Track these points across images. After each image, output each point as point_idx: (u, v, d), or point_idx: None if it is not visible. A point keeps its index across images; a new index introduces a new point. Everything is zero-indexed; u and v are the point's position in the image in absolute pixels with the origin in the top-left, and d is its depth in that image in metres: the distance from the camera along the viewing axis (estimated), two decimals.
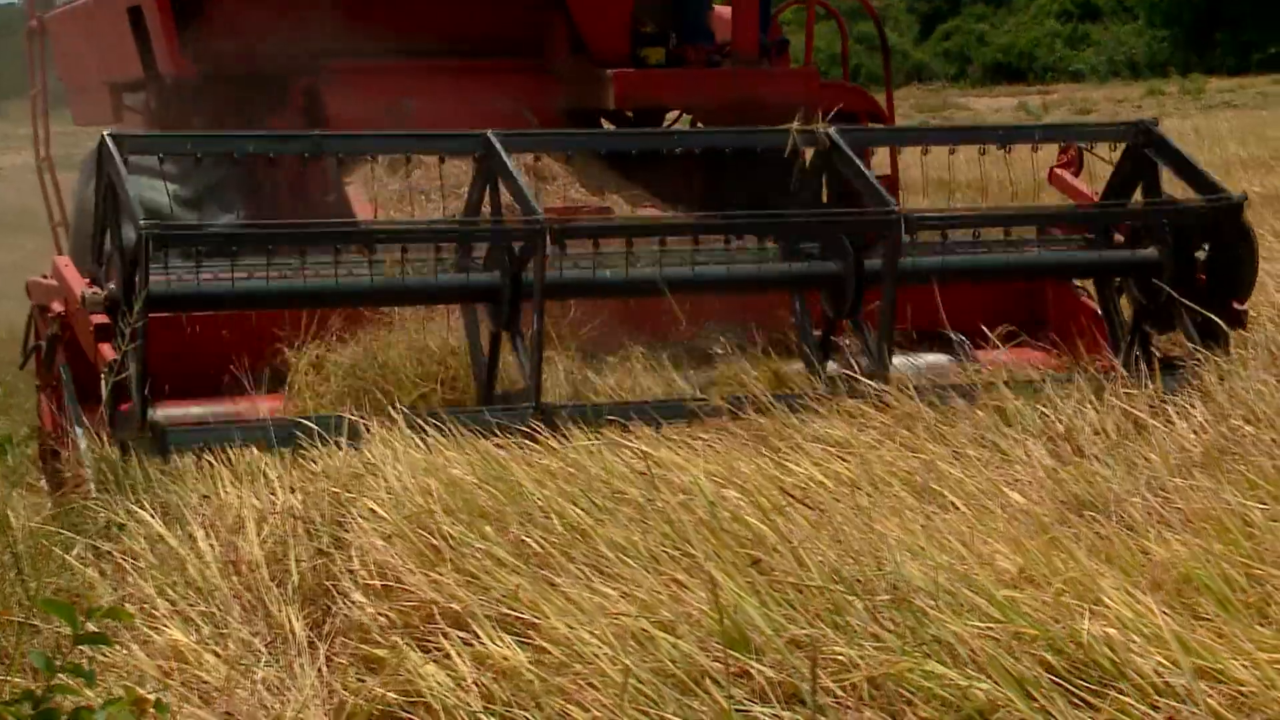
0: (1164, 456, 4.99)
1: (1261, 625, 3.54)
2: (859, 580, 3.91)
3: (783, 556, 4.12)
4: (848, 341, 6.59)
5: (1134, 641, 3.44)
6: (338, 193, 7.60)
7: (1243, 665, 3.29)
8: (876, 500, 4.68)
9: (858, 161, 6.65)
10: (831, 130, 6.66)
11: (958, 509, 4.55)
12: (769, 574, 4.04)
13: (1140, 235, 6.81)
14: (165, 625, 4.21)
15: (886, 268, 6.29)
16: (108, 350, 5.53)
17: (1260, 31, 53.41)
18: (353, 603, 4.38)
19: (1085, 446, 5.33)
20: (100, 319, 5.65)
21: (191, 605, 4.39)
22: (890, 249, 6.27)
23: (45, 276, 7.09)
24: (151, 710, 3.37)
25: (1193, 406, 5.55)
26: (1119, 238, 6.95)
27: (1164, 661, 3.34)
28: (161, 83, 8.59)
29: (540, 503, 4.77)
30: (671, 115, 9.48)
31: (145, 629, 4.20)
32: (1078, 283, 7.44)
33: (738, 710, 3.38)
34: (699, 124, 9.33)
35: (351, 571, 4.47)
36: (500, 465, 5.00)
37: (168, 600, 4.40)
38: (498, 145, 6.17)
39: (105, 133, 5.90)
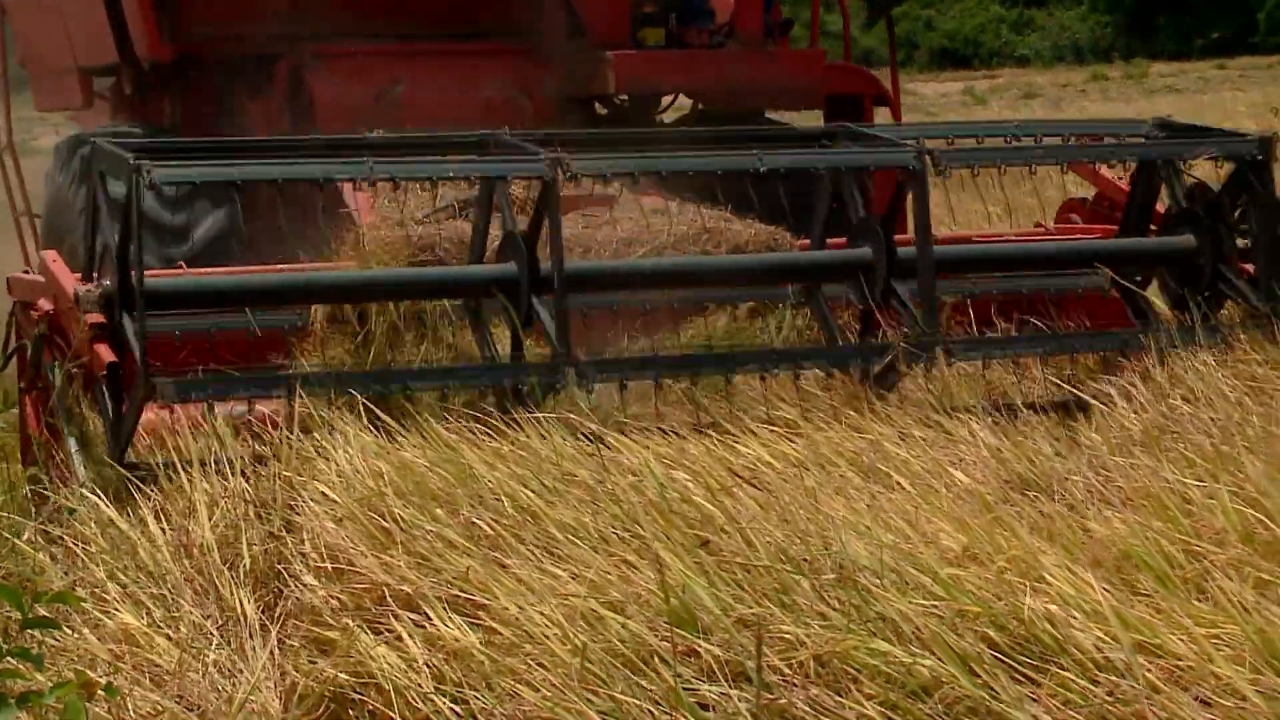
0: (1105, 436, 5.01)
1: (1199, 601, 3.56)
2: (805, 560, 3.92)
3: (730, 537, 4.13)
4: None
5: (1075, 617, 3.45)
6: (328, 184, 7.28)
7: (1180, 640, 3.30)
8: (823, 481, 4.68)
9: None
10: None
11: (903, 488, 4.56)
12: (717, 554, 4.04)
13: (1176, 224, 6.47)
14: (116, 609, 4.19)
15: (922, 254, 5.92)
16: (105, 351, 5.19)
17: (1201, 17, 54.01)
18: (304, 585, 4.36)
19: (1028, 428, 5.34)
20: (96, 318, 5.25)
21: (143, 589, 4.38)
22: (921, 190, 5.91)
23: (26, 271, 6.64)
24: (101, 693, 3.36)
25: (1133, 386, 5.57)
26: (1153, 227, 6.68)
27: (1104, 637, 3.36)
28: (137, 67, 8.28)
29: (491, 485, 4.76)
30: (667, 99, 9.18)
31: (96, 613, 4.18)
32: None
33: (685, 689, 3.39)
34: (700, 107, 9.01)
35: (303, 554, 4.45)
36: (451, 449, 4.99)
37: (119, 584, 4.39)
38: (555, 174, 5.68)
39: (98, 136, 5.73)
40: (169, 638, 4.05)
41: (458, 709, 3.62)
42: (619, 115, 8.80)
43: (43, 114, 11.47)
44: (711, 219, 6.52)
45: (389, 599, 4.13)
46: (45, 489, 5.45)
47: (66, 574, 4.54)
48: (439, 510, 4.51)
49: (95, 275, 5.57)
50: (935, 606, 3.57)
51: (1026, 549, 3.85)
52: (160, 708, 3.58)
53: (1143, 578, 3.73)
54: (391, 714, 3.73)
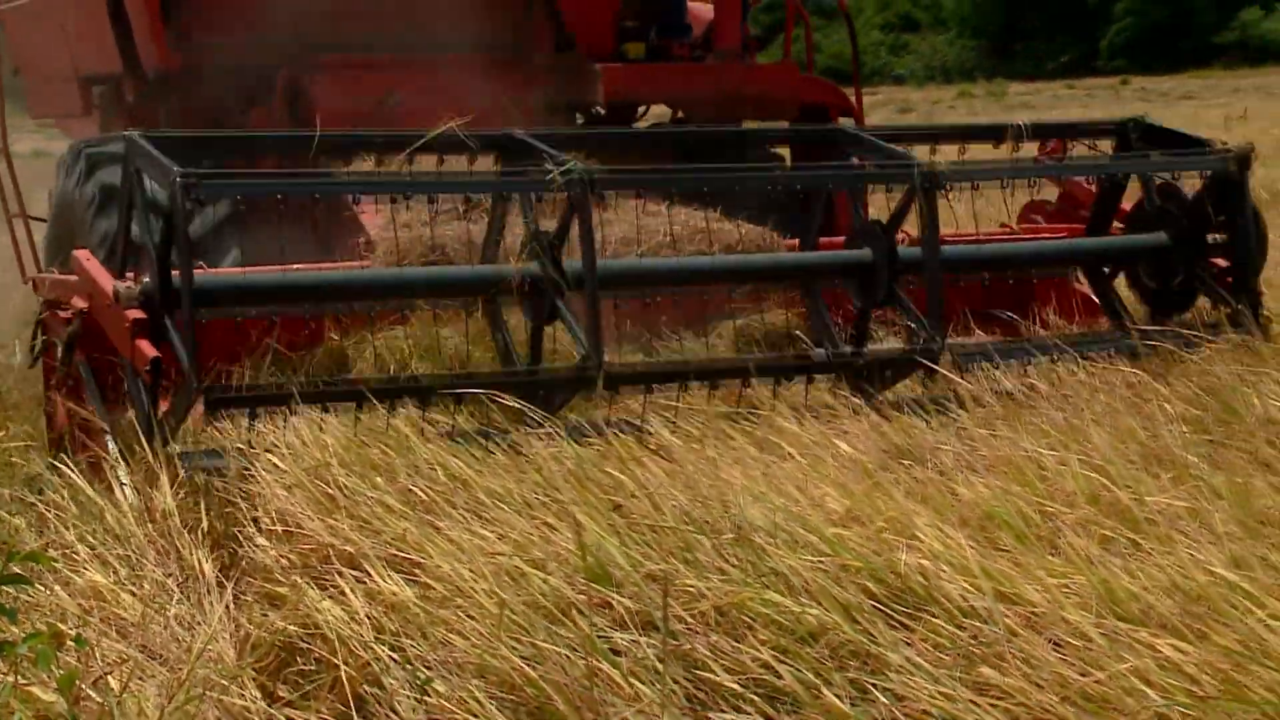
0: (971, 411, 5.05)
1: (1052, 555, 3.59)
2: (707, 521, 3.93)
3: (640, 501, 4.13)
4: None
5: (944, 571, 3.48)
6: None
7: (1035, 590, 3.33)
8: (723, 453, 4.69)
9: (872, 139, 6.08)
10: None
11: (794, 459, 4.57)
12: (628, 517, 4.04)
13: (1148, 221, 6.32)
14: (85, 568, 4.14)
15: (928, 254, 5.61)
16: (146, 347, 4.73)
17: (1051, 43, 54.99)
18: (257, 546, 4.33)
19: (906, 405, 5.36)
20: (137, 314, 4.82)
21: (109, 550, 4.33)
22: (929, 205, 5.58)
23: (55, 270, 6.10)
24: (70, 643, 3.32)
25: (996, 367, 5.61)
26: (1118, 226, 6.53)
27: (969, 588, 3.38)
28: (141, 76, 7.85)
29: (426, 456, 4.74)
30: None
31: (67, 572, 4.13)
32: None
33: (600, 636, 3.38)
34: (680, 115, 8.69)
35: (256, 519, 4.42)
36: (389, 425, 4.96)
37: (88, 546, 4.34)
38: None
39: (132, 132, 5.11)
40: (133, 594, 4.00)
41: (395, 656, 3.60)
42: (598, 124, 8.48)
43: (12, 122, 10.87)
44: (703, 220, 6.28)
45: (333, 558, 4.11)
46: (23, 460, 5.28)
47: (40, 536, 4.49)
48: (379, 479, 4.48)
49: (129, 271, 5.19)
50: (821, 562, 3.58)
51: (902, 511, 3.88)
52: (125, 656, 3.53)
53: (1003, 535, 3.76)
54: (336, 661, 3.71)
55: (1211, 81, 44.48)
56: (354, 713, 3.55)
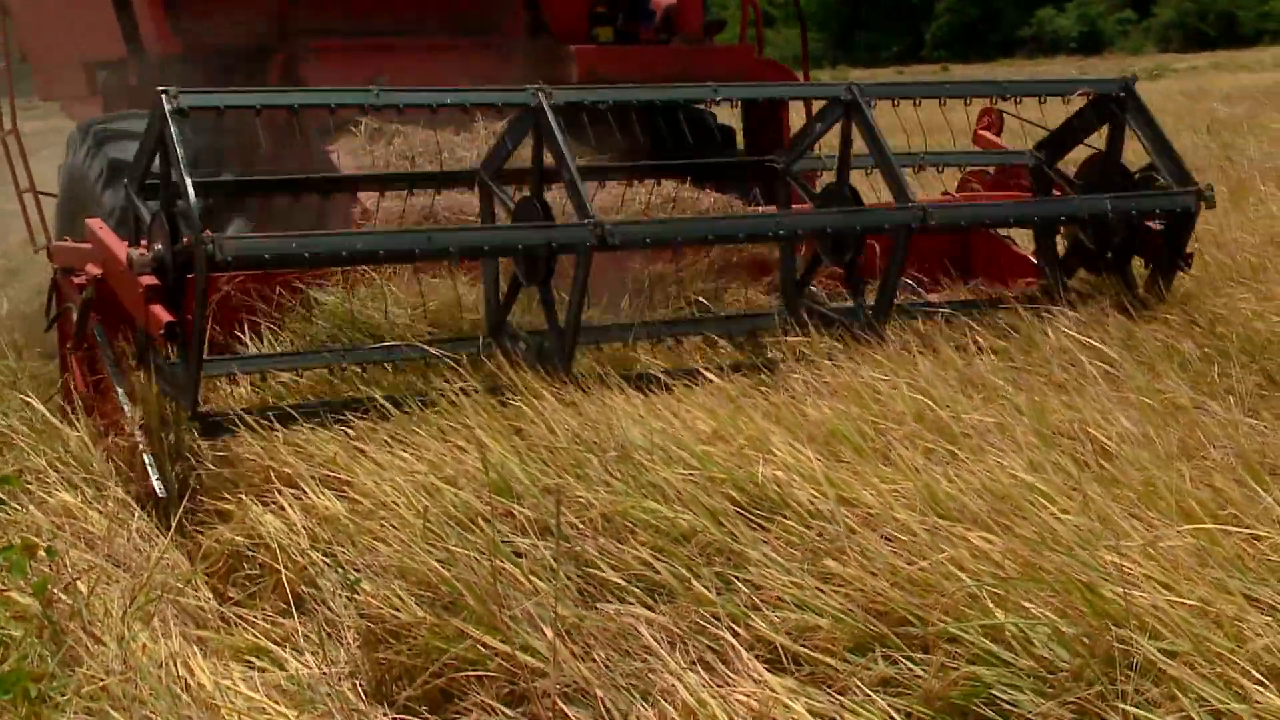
0: (818, 346, 5.07)
1: (884, 465, 3.63)
2: (595, 442, 3.93)
3: (537, 426, 4.12)
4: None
5: (795, 480, 3.50)
6: (321, 159, 6.34)
7: (871, 494, 3.37)
8: (610, 384, 4.68)
9: (879, 138, 5.42)
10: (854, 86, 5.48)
11: (668, 389, 4.57)
12: (527, 440, 4.04)
13: (1094, 186, 5.85)
14: (56, 490, 4.08)
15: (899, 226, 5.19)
16: (161, 312, 4.30)
17: (886, 35, 55.44)
18: (207, 469, 4.30)
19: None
20: (150, 280, 4.39)
21: (75, 474, 4.27)
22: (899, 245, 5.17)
23: (67, 239, 5.52)
24: (43, 553, 3.27)
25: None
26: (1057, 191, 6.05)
27: (816, 494, 3.41)
28: (145, 59, 7.42)
29: (354, 391, 4.72)
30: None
31: (40, 493, 4.07)
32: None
33: (504, 541, 3.39)
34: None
35: (208, 444, 4.39)
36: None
37: (57, 470, 4.27)
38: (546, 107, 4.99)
39: (160, 91, 4.52)
40: (100, 512, 3.95)
41: (328, 561, 3.59)
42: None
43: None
44: (675, 189, 6.06)
45: (274, 478, 4.08)
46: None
47: (15, 463, 4.41)
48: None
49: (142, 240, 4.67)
50: (692, 475, 3.60)
51: (760, 430, 3.89)
52: (92, 565, 3.48)
53: (844, 449, 3.78)
54: (277, 566, 3.69)
55: (1014, 69, 45.22)
56: (294, 609, 3.54)
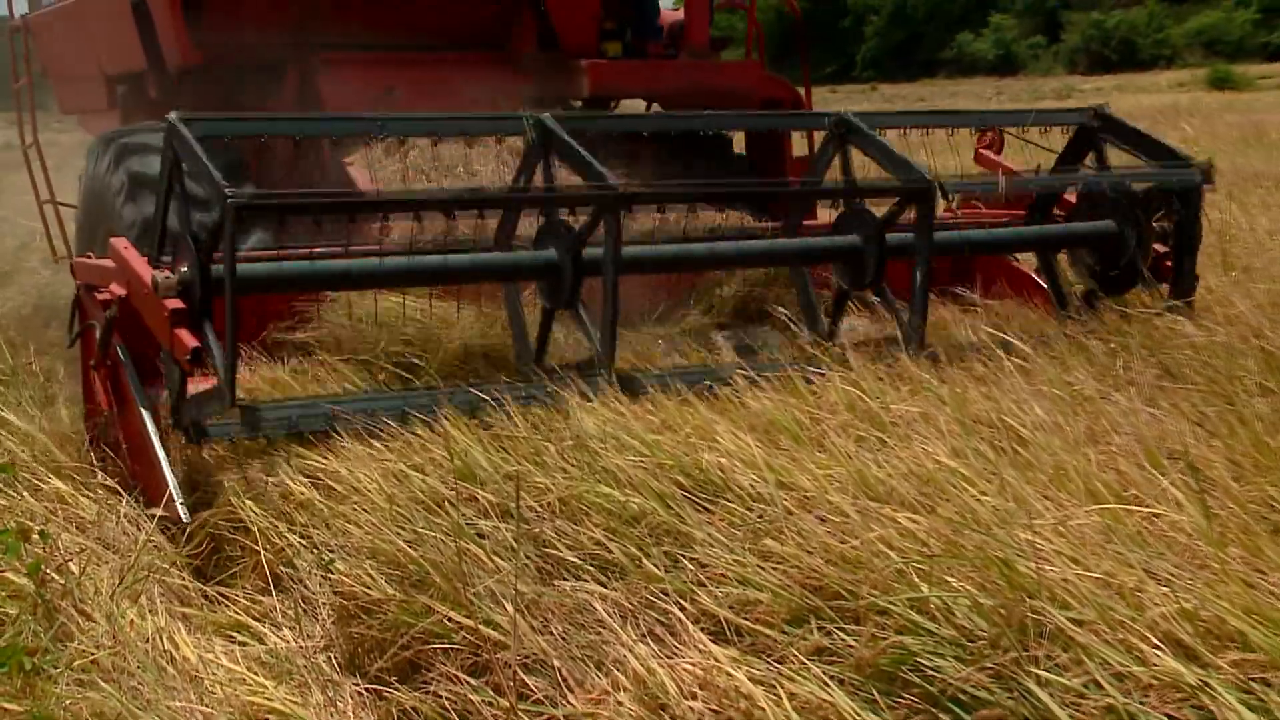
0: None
1: (819, 452, 3.64)
2: (552, 431, 3.93)
3: (500, 417, 4.11)
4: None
5: (737, 466, 3.51)
6: (338, 174, 6.03)
7: (807, 478, 3.38)
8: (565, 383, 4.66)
9: (879, 139, 5.17)
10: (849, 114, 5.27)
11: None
12: (490, 429, 4.03)
13: (1095, 209, 5.54)
14: (49, 478, 4.04)
15: (920, 237, 4.84)
16: (186, 336, 3.96)
17: (820, 56, 55.72)
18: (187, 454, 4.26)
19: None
20: (176, 304, 4.05)
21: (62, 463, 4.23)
22: (923, 217, 4.85)
23: (91, 254, 5.13)
24: (36, 536, 3.24)
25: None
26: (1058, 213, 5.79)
27: (756, 478, 3.42)
28: (164, 72, 7.04)
29: (332, 388, 4.69)
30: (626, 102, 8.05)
31: (35, 481, 4.02)
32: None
33: (467, 523, 3.38)
34: (654, 107, 7.87)
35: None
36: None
37: (47, 462, 4.23)
38: (553, 126, 4.71)
39: (173, 116, 4.26)
40: (90, 498, 3.91)
41: (304, 543, 3.57)
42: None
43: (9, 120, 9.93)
44: (684, 210, 5.53)
45: (256, 467, 4.05)
46: None
47: (7, 455, 4.36)
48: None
49: (164, 260, 4.35)
50: (642, 462, 3.60)
51: (705, 420, 3.90)
52: (83, 547, 3.46)
53: (782, 437, 3.80)
54: (257, 548, 3.67)
55: (936, 88, 45.69)
56: (272, 588, 3.52)
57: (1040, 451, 3.48)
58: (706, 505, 3.40)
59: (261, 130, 4.79)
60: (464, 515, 3.43)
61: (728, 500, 3.38)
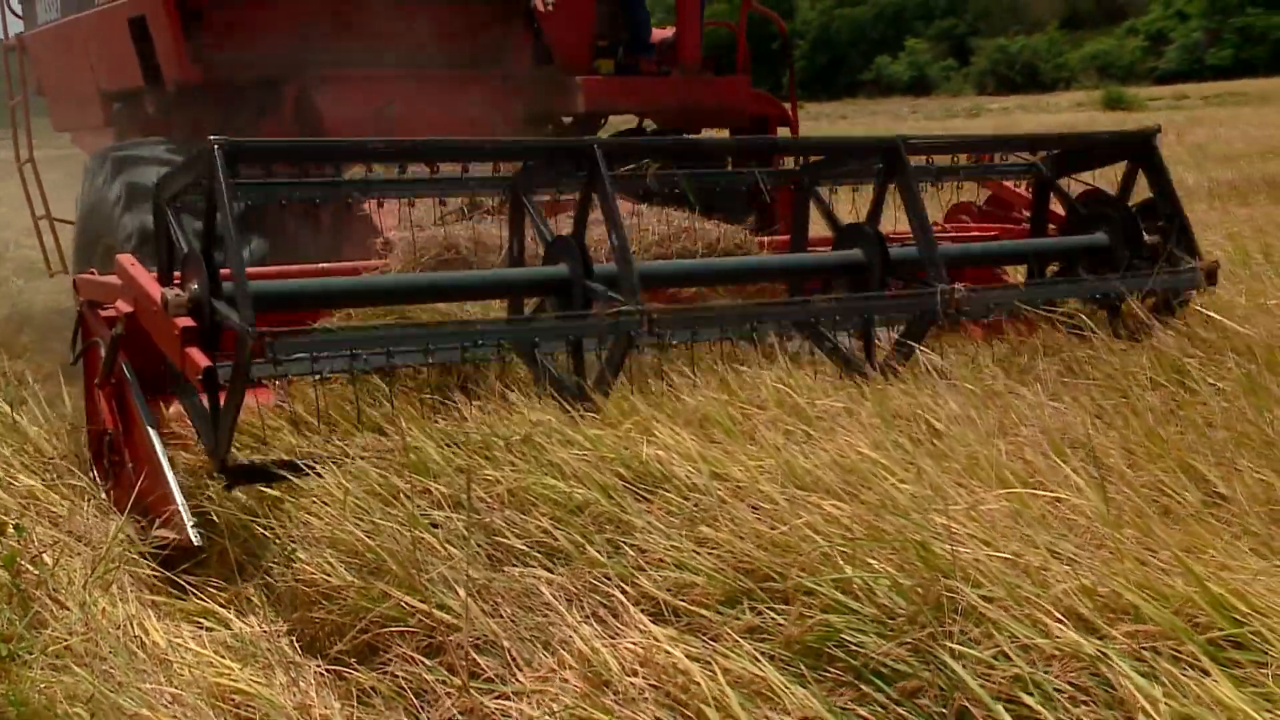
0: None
1: (751, 445, 3.66)
2: (501, 428, 3.92)
3: (451, 415, 4.10)
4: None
5: (675, 459, 3.51)
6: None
7: (739, 470, 3.39)
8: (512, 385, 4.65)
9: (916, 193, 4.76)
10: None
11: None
12: (442, 427, 4.01)
13: (1087, 222, 5.29)
14: (20, 475, 3.97)
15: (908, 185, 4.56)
16: (199, 356, 3.62)
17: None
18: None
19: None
20: (187, 322, 3.72)
21: (36, 462, 4.16)
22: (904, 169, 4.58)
23: (94, 271, 4.75)
24: (12, 530, 3.19)
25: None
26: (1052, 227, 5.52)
27: (692, 470, 3.43)
28: (162, 89, 6.77)
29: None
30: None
31: (8, 479, 3.95)
32: None
33: (422, 514, 3.37)
34: (646, 121, 7.63)
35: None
36: None
37: (21, 460, 4.16)
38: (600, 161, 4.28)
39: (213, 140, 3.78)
40: (59, 494, 3.85)
41: (267, 534, 3.54)
42: (567, 133, 7.27)
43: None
44: (685, 220, 5.24)
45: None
46: None
47: None
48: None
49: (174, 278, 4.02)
50: (586, 455, 3.60)
51: (644, 415, 3.90)
52: (56, 539, 3.41)
53: (716, 431, 3.80)
54: (222, 541, 3.63)
55: (857, 107, 46.06)
56: (237, 575, 3.48)
57: (954, 442, 3.51)
58: (646, 495, 3.40)
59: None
60: (418, 506, 3.42)
61: (666, 490, 3.38)
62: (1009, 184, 6.04)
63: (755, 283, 5.07)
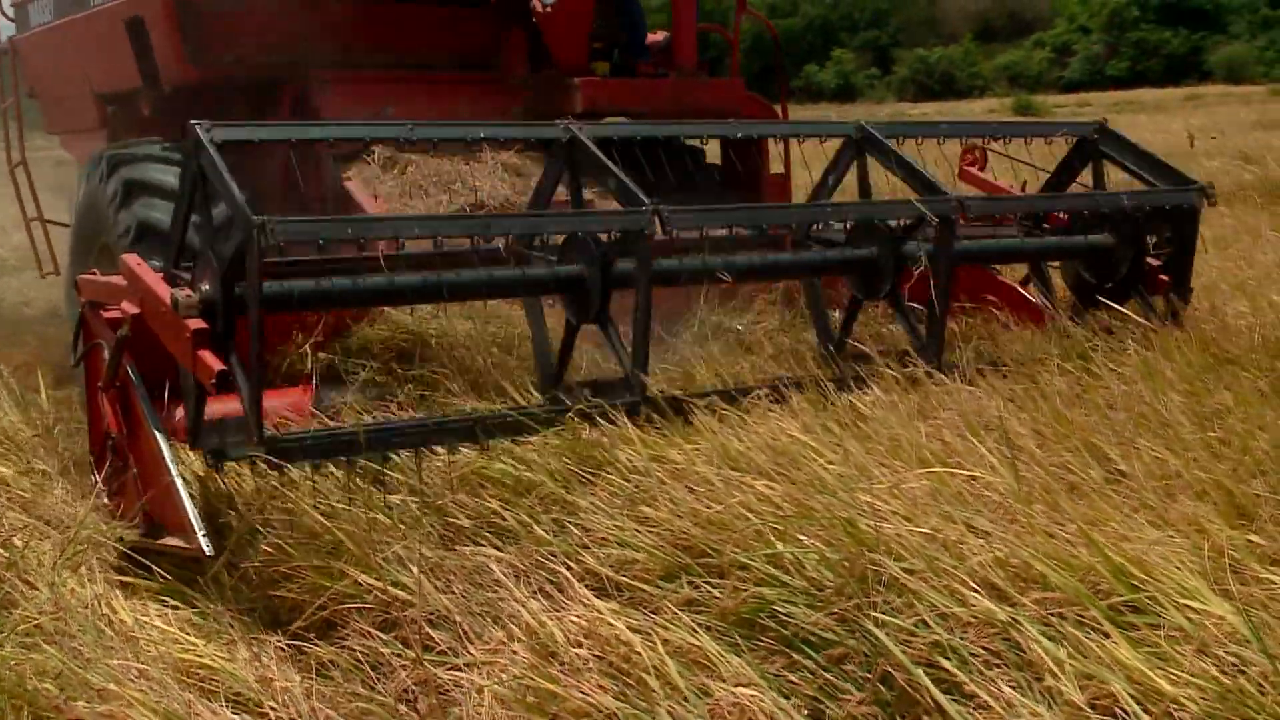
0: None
1: (688, 429, 3.67)
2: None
3: (408, 411, 4.06)
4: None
5: (617, 443, 3.52)
6: (336, 189, 5.54)
7: (678, 455, 3.41)
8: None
9: (897, 152, 4.70)
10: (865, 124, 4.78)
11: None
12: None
13: (1089, 223, 5.02)
14: None
15: (940, 252, 4.33)
16: (211, 359, 3.30)
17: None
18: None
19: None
20: (198, 324, 3.38)
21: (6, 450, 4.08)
22: (943, 234, 4.34)
23: (95, 271, 4.33)
24: None
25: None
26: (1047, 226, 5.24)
27: (634, 454, 3.45)
28: (159, 89, 6.45)
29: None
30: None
31: None
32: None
33: (378, 499, 3.35)
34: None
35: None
36: None
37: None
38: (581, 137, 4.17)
39: (195, 124, 3.61)
40: (30, 481, 3.78)
41: (232, 514, 3.49)
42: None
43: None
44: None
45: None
46: None
47: None
48: None
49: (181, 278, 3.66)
50: (531, 441, 3.60)
51: (589, 403, 3.88)
52: (26, 523, 3.34)
53: (656, 418, 3.78)
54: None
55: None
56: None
57: (878, 426, 3.55)
58: (590, 478, 3.41)
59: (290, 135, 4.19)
60: (375, 492, 3.39)
61: (608, 473, 3.39)
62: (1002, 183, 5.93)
63: (776, 279, 4.87)
